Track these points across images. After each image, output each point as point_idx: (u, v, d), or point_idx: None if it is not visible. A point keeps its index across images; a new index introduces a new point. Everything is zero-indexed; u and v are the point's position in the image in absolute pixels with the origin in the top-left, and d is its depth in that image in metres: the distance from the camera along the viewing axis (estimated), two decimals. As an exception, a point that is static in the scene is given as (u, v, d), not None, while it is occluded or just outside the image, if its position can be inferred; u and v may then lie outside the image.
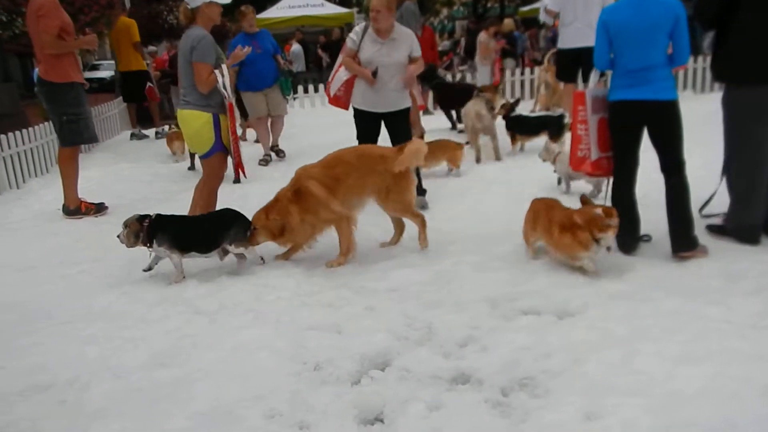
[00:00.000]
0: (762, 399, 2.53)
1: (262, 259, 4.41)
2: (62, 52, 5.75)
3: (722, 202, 4.40)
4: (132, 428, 2.63)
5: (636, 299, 3.52)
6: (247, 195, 6.01)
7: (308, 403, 2.72)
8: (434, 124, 9.83)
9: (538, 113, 9.89)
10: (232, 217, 4.36)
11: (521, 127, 7.57)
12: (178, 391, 2.87)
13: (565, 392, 2.67)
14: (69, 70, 5.84)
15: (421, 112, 8.85)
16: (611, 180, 4.32)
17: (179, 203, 5.48)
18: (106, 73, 21.92)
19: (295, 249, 4.59)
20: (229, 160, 5.02)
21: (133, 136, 10.95)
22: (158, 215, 4.27)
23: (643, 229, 4.28)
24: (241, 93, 8.05)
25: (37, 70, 5.97)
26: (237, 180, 6.29)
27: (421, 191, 5.79)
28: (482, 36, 11.96)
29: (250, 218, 4.37)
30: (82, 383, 2.99)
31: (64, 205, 6.14)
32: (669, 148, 4.07)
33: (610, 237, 3.81)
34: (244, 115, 8.39)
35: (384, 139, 5.51)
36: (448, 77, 12.72)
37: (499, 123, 7.71)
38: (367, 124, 5.55)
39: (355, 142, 5.34)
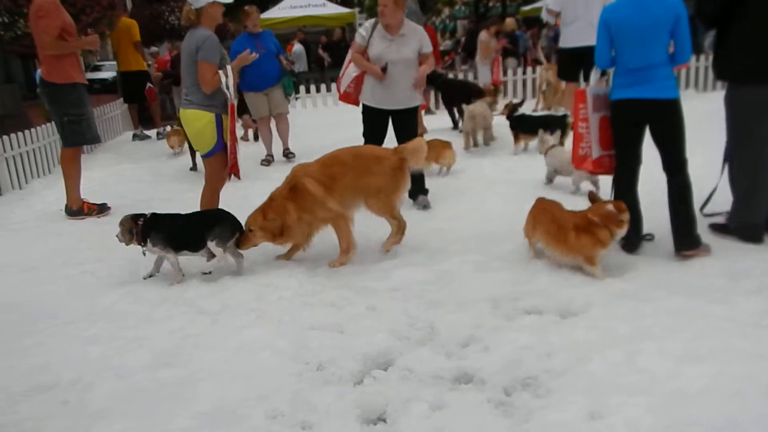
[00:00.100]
0: (764, 398, 2.52)
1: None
2: (63, 53, 5.75)
3: (725, 201, 4.40)
4: (135, 428, 2.64)
5: (639, 298, 3.52)
6: (248, 195, 6.01)
7: (311, 403, 2.72)
8: (436, 123, 9.84)
9: (541, 113, 9.89)
10: (219, 216, 4.34)
11: (524, 127, 7.58)
12: (181, 391, 2.88)
13: (567, 392, 2.67)
14: (71, 71, 5.85)
15: (423, 112, 8.87)
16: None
17: (182, 203, 5.48)
18: (108, 74, 21.98)
19: (295, 248, 4.59)
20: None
21: (135, 136, 10.96)
22: (153, 214, 4.29)
23: (646, 228, 4.28)
24: (244, 93, 8.05)
25: (39, 71, 5.98)
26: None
27: (424, 191, 5.79)
28: (483, 35, 11.96)
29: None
30: (85, 383, 2.99)
31: (66, 206, 6.15)
32: (671, 146, 4.06)
33: (623, 233, 3.82)
34: (248, 112, 8.40)
35: (389, 139, 5.49)
36: (450, 76, 12.72)
37: (503, 122, 7.73)
38: (375, 122, 5.54)
39: (357, 142, 5.33)
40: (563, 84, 9.11)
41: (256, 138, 9.95)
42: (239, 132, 7.63)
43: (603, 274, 3.84)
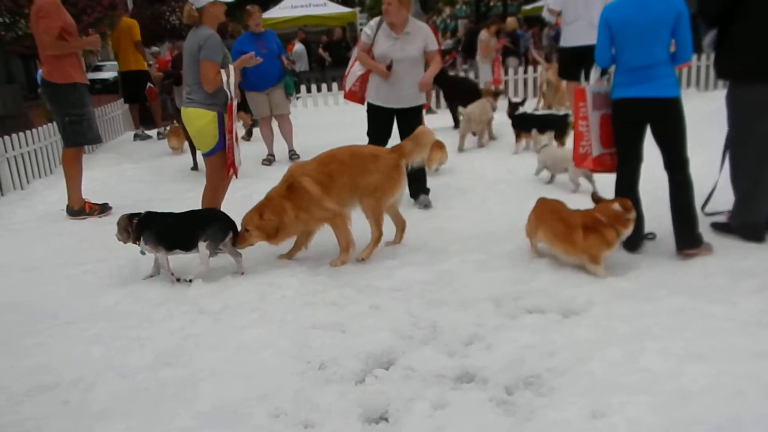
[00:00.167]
0: (766, 397, 2.52)
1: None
2: (64, 53, 5.76)
3: (727, 200, 4.39)
4: (137, 428, 2.64)
5: (640, 297, 3.51)
6: (250, 195, 6.00)
7: (313, 402, 2.72)
8: (437, 122, 9.81)
9: (542, 112, 9.90)
10: (212, 216, 4.33)
11: (526, 126, 7.60)
12: (182, 390, 2.88)
13: (569, 390, 2.67)
14: (71, 71, 5.85)
15: (423, 111, 8.85)
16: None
17: (183, 203, 5.47)
18: (109, 74, 21.96)
19: (297, 248, 4.59)
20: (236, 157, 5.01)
21: (136, 136, 10.97)
22: (147, 213, 4.30)
23: (648, 227, 4.28)
24: (246, 93, 8.06)
25: (40, 71, 5.98)
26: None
27: (425, 190, 5.79)
28: (483, 34, 11.96)
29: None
30: (87, 383, 2.99)
31: (67, 206, 6.15)
32: (672, 145, 4.05)
33: (629, 232, 3.83)
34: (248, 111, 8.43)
35: (394, 138, 5.48)
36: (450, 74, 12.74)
37: (504, 121, 7.74)
38: (379, 121, 5.53)
39: (358, 141, 5.32)
40: (564, 83, 9.11)
41: (248, 135, 9.97)
42: (241, 132, 7.64)
43: (605, 273, 3.84)
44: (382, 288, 3.93)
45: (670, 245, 4.12)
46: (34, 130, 7.79)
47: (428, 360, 3.01)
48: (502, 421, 2.54)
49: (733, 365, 2.72)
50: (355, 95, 5.74)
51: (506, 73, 12.70)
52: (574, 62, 7.59)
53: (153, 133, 11.02)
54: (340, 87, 6.15)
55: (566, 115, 7.40)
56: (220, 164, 4.90)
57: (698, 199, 4.17)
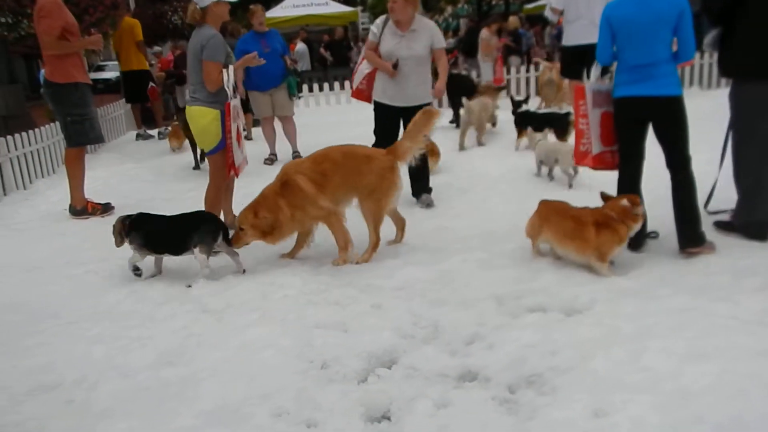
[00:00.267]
0: (770, 396, 2.51)
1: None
2: (66, 53, 5.76)
3: (729, 198, 4.38)
4: (139, 427, 2.64)
5: (643, 296, 3.51)
6: (252, 194, 5.99)
7: (315, 401, 2.72)
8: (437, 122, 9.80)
9: (544, 110, 9.89)
10: (202, 220, 4.30)
11: (528, 123, 7.62)
12: (185, 389, 2.88)
13: (572, 389, 2.66)
14: (73, 71, 5.85)
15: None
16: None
17: (185, 203, 5.49)
18: (111, 74, 21.97)
19: (299, 247, 4.59)
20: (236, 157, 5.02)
21: (138, 136, 10.98)
22: (139, 214, 4.30)
23: (650, 225, 4.27)
24: (248, 92, 8.06)
25: (43, 71, 5.98)
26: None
27: (427, 189, 5.78)
28: (484, 33, 11.95)
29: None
30: (89, 383, 3.00)
31: (70, 206, 6.16)
32: (674, 144, 4.05)
33: (638, 227, 3.84)
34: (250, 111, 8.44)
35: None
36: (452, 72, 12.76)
37: (507, 119, 7.74)
38: (386, 119, 5.52)
39: (359, 141, 5.32)
40: (566, 82, 9.10)
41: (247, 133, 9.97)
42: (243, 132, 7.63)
43: (609, 272, 3.83)
44: (384, 287, 3.93)
45: (673, 244, 4.11)
46: (36, 130, 7.80)
47: (430, 359, 3.01)
48: (505, 420, 2.54)
49: (736, 364, 2.71)
50: (363, 93, 5.73)
51: (508, 72, 12.69)
52: (576, 61, 7.57)
53: (154, 132, 11.03)
54: (342, 86, 6.16)
55: (568, 114, 7.39)
56: (223, 163, 4.91)
57: (701, 198, 4.16)
